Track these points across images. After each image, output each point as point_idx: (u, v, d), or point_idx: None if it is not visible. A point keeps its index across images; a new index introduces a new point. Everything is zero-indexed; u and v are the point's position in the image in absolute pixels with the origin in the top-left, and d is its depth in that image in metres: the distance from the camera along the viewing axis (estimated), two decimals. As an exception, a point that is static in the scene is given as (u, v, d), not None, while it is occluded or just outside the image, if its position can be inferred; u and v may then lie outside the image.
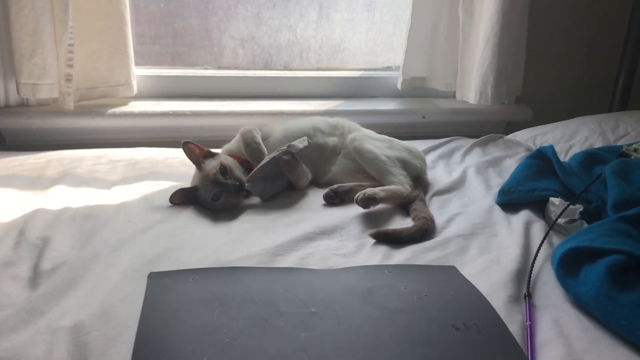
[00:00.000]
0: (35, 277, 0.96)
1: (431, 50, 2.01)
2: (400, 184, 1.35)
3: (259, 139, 1.39)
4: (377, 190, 1.28)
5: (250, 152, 1.36)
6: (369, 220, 1.24)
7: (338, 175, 1.45)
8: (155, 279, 0.97)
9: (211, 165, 1.28)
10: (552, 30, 2.13)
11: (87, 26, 1.67)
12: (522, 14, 1.89)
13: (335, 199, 1.32)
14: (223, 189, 1.26)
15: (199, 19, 1.98)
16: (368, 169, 1.41)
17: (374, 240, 1.14)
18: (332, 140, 1.49)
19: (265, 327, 0.84)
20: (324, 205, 1.32)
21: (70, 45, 1.60)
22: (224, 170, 1.27)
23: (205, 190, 1.26)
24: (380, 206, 1.30)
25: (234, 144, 1.44)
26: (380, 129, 1.65)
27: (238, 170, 1.30)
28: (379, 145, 1.44)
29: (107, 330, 0.82)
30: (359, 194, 1.27)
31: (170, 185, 1.37)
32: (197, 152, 1.31)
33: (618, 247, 0.97)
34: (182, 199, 1.28)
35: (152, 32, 1.95)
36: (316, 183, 1.45)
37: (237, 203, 1.30)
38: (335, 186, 1.34)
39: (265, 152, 1.36)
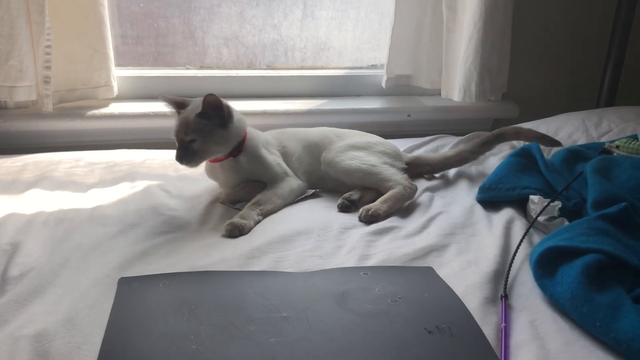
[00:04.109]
0: (3, 284, 0.94)
1: (416, 48, 2.00)
2: (398, 183, 1.33)
3: None
4: (379, 205, 1.26)
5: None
6: (348, 220, 1.23)
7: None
8: (125, 284, 0.95)
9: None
10: (539, 26, 2.12)
11: (65, 27, 1.65)
12: (506, 10, 1.87)
13: (351, 208, 1.29)
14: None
15: (182, 18, 1.96)
16: (361, 185, 1.36)
17: (352, 242, 1.13)
18: None
19: (234, 333, 0.83)
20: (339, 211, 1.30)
21: (48, 47, 1.58)
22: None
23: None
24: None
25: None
26: (365, 127, 1.63)
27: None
28: (358, 155, 1.38)
29: (71, 338, 0.80)
30: (362, 211, 1.25)
31: (146, 186, 1.36)
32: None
33: (596, 246, 0.96)
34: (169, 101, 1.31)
35: (134, 32, 1.93)
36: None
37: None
38: (347, 195, 1.32)
39: None
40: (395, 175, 1.35)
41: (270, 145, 1.40)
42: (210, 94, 1.24)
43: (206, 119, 1.25)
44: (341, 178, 1.37)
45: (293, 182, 1.34)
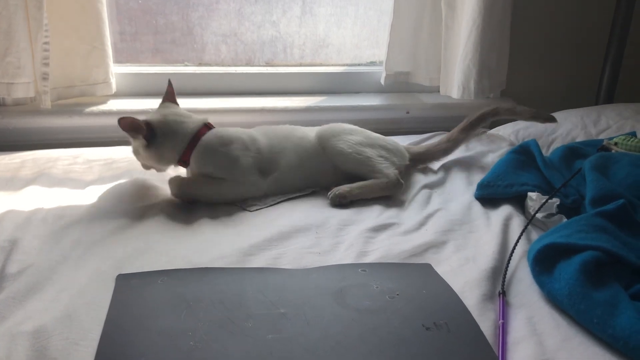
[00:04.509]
0: (0, 281, 0.94)
1: (414, 45, 1.99)
2: (385, 177, 1.33)
3: None
4: (351, 188, 1.28)
5: None
6: (346, 217, 1.23)
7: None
8: (123, 280, 0.95)
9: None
10: (538, 23, 2.11)
11: (63, 24, 1.64)
12: (505, 7, 1.86)
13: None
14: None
15: (180, 15, 1.95)
16: (353, 172, 1.37)
17: (350, 239, 1.13)
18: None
19: (232, 329, 0.83)
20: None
21: (46, 43, 1.57)
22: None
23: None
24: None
25: None
26: (364, 124, 1.62)
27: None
28: (355, 143, 1.39)
29: (69, 334, 0.80)
30: (330, 192, 1.27)
31: (145, 183, 1.36)
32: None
33: (594, 243, 0.96)
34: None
35: (132, 29, 1.93)
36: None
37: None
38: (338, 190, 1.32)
39: None
40: (387, 169, 1.35)
41: (240, 150, 1.32)
42: (121, 117, 1.23)
43: (136, 139, 1.29)
44: (335, 160, 1.37)
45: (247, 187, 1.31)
